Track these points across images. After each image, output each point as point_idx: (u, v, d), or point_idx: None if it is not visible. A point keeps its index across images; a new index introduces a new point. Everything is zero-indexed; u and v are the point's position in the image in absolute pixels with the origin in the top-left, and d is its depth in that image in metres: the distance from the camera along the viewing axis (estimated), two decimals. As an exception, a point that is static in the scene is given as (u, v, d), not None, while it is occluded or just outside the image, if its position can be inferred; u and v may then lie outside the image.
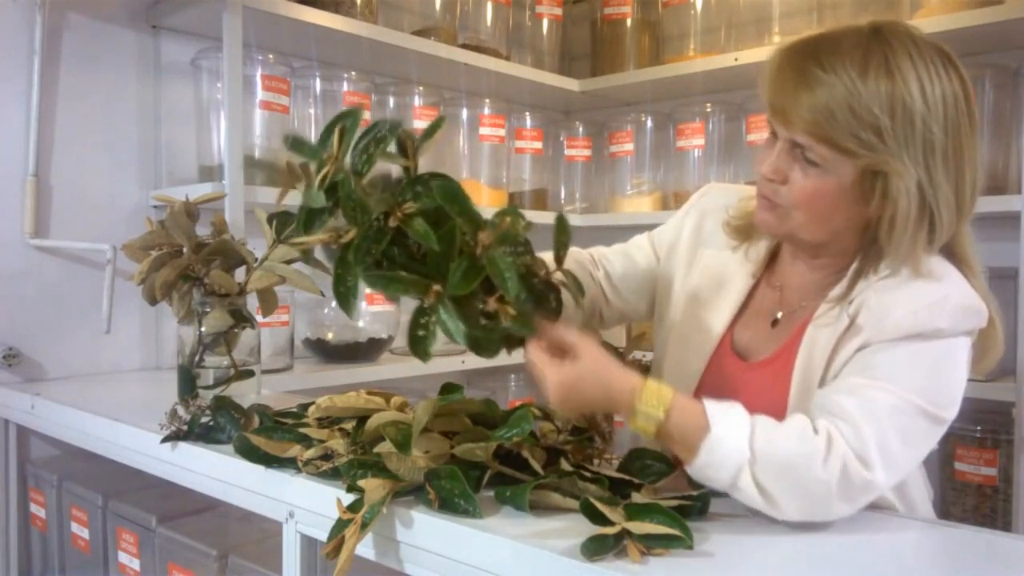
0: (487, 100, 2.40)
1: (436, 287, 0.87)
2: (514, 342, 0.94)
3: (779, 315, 1.11)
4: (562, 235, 0.94)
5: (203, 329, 1.25)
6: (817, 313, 1.03)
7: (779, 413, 1.01)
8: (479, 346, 0.90)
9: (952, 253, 1.02)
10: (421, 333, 0.88)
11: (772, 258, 1.16)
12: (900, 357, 0.93)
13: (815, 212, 0.99)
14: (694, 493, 0.90)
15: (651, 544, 0.78)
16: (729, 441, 0.87)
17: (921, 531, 0.92)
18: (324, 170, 0.89)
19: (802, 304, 1.09)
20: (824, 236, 1.02)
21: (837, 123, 0.92)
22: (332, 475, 0.96)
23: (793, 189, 0.99)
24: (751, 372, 1.10)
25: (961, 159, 0.96)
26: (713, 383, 1.12)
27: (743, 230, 1.15)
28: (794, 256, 1.12)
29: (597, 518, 0.81)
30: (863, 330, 0.96)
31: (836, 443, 0.87)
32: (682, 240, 1.23)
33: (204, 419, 1.17)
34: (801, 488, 0.87)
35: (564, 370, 0.90)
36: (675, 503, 0.85)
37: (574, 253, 1.21)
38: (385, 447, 0.91)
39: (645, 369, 1.14)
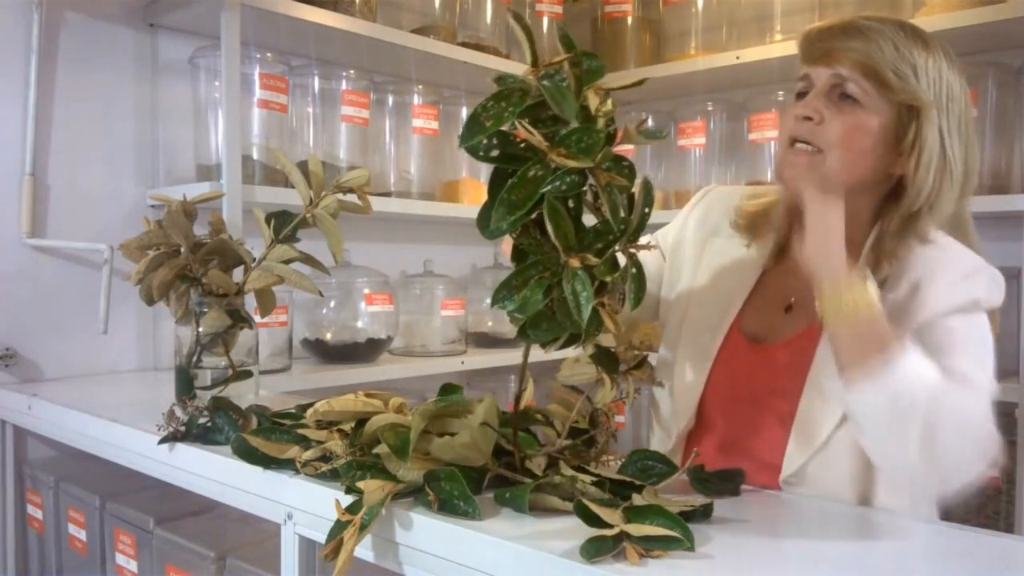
0: (487, 99, 2.39)
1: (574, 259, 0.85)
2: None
3: (792, 300, 1.14)
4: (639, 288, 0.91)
5: (201, 329, 1.24)
6: None
7: (792, 394, 1.07)
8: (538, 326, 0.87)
9: (965, 235, 1.11)
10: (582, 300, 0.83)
11: (781, 249, 1.18)
12: (955, 329, 1.02)
13: (851, 151, 1.05)
14: (697, 498, 0.89)
15: (650, 546, 0.78)
16: (924, 361, 0.93)
17: (923, 533, 0.91)
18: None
19: None
20: (854, 181, 1.06)
21: (884, 56, 1.03)
22: (331, 476, 0.95)
23: (832, 125, 1.05)
24: (768, 355, 1.13)
25: (969, 133, 1.07)
26: (728, 369, 1.14)
27: (749, 227, 1.19)
28: None
29: (591, 519, 0.80)
30: (908, 311, 1.02)
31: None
32: (688, 236, 1.26)
33: (202, 420, 1.16)
34: (971, 440, 0.94)
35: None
36: (679, 508, 0.84)
37: None
38: (384, 448, 0.91)
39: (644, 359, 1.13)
